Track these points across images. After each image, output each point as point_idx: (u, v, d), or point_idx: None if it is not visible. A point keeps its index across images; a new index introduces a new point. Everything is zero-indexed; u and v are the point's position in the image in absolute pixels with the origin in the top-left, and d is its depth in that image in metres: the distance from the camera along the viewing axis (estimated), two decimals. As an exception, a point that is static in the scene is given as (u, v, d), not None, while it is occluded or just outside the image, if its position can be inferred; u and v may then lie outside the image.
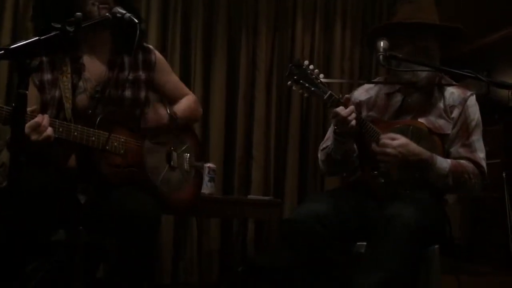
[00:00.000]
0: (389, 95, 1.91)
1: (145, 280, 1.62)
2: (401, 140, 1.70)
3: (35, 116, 1.51)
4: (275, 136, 3.47)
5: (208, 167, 2.73)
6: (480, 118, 1.87)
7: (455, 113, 1.83)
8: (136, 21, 1.51)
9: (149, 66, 1.91)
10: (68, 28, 1.18)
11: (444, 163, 1.73)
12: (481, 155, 1.82)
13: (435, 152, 1.74)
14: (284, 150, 3.50)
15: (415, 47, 1.79)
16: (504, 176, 4.41)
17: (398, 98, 1.89)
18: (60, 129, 1.57)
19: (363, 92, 1.98)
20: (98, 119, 1.68)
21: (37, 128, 1.49)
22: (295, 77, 1.66)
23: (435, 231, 1.67)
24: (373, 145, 1.72)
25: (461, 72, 1.57)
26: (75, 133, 1.60)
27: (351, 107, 1.68)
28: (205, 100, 3.36)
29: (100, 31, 1.80)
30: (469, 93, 1.88)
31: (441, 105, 1.84)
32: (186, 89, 2.12)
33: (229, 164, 3.41)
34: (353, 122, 1.66)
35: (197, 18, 3.40)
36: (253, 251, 3.31)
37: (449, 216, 1.81)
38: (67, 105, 1.72)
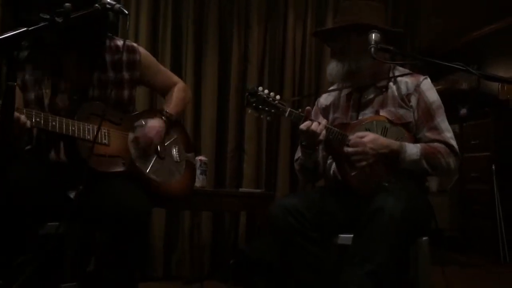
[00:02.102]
0: (347, 96, 1.99)
1: (136, 273, 1.62)
2: (369, 136, 1.77)
3: None
4: (267, 129, 3.47)
5: (200, 160, 2.73)
6: (439, 99, 1.89)
7: (413, 101, 1.87)
8: (126, 12, 1.50)
9: (134, 65, 1.91)
10: (57, 19, 1.17)
11: (414, 148, 1.79)
12: (448, 134, 1.85)
13: (404, 141, 1.81)
14: (275, 143, 3.50)
15: (351, 42, 1.87)
16: (494, 169, 4.45)
17: (356, 97, 1.96)
18: (38, 119, 1.56)
19: (327, 97, 2.09)
20: (78, 110, 1.69)
21: None
22: (254, 104, 1.73)
23: (420, 221, 1.71)
24: (345, 148, 1.78)
25: (452, 65, 1.57)
26: (53, 123, 1.59)
27: (316, 122, 1.75)
28: (196, 93, 3.34)
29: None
30: (422, 78, 1.92)
31: (397, 95, 1.89)
32: (174, 78, 2.13)
33: (221, 157, 3.40)
34: (323, 134, 1.74)
35: (188, 11, 3.38)
36: (245, 244, 3.31)
37: (438, 207, 1.84)
38: (46, 101, 1.71)
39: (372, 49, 1.68)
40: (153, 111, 2.02)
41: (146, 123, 1.88)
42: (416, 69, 2.04)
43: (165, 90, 2.07)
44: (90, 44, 1.71)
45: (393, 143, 1.78)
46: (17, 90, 1.74)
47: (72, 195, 1.70)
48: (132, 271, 1.60)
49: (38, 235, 1.61)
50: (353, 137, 1.78)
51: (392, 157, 1.77)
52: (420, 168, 1.79)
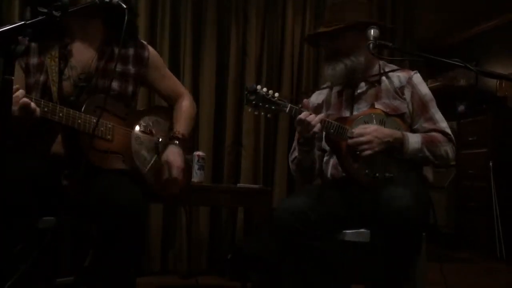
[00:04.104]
0: (339, 93, 2.02)
1: (133, 268, 1.62)
2: (372, 126, 1.82)
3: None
4: (265, 124, 3.46)
5: (198, 155, 2.73)
6: (430, 92, 1.96)
7: (407, 93, 1.93)
8: (125, 6, 1.49)
9: (141, 61, 1.89)
10: (54, 12, 1.16)
11: (415, 137, 1.84)
12: (443, 124, 1.92)
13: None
14: (273, 138, 3.50)
15: (343, 43, 1.90)
16: (491, 165, 4.46)
17: (348, 92, 1.99)
18: (46, 109, 1.55)
19: (318, 96, 2.12)
20: (86, 103, 1.67)
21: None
22: (254, 102, 1.71)
23: (424, 218, 1.71)
24: (349, 140, 1.80)
25: (450, 62, 1.57)
26: (61, 114, 1.58)
27: (313, 115, 1.75)
28: (194, 88, 3.33)
29: (93, 20, 1.78)
30: (412, 72, 1.98)
31: (391, 88, 1.94)
32: (180, 87, 2.10)
33: (219, 152, 3.40)
34: (318, 125, 1.74)
35: (186, 4, 3.37)
36: (242, 240, 3.32)
37: (435, 204, 1.87)
38: (54, 88, 1.70)
39: (371, 44, 1.68)
40: (158, 109, 1.99)
41: (153, 125, 1.86)
42: (416, 66, 2.04)
43: (169, 97, 2.04)
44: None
45: (396, 132, 1.83)
46: (21, 73, 1.73)
47: (66, 186, 1.70)
48: (129, 266, 1.60)
49: (34, 228, 1.60)
50: (356, 129, 1.81)
51: (396, 146, 1.80)
52: (422, 156, 1.83)
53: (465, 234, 4.85)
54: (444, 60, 1.60)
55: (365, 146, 1.77)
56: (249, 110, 1.75)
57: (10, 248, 1.50)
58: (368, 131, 1.78)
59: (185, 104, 2.03)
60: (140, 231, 1.62)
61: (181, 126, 1.94)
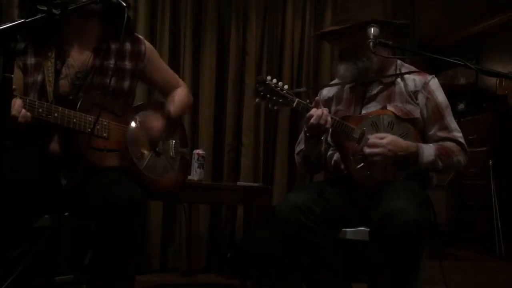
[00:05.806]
0: (351, 89, 1.99)
1: (132, 265, 1.62)
2: (389, 137, 1.77)
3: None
4: (265, 123, 3.47)
5: (197, 153, 2.73)
6: (446, 99, 1.92)
7: (420, 99, 1.88)
8: (125, 4, 1.49)
9: (138, 56, 1.89)
10: (54, 10, 1.16)
11: (429, 149, 1.80)
12: (458, 134, 1.89)
13: (410, 136, 1.83)
14: (273, 136, 3.49)
15: (357, 41, 1.85)
16: (491, 164, 4.46)
17: (360, 90, 1.96)
18: (40, 110, 1.55)
19: (330, 89, 2.08)
20: (80, 101, 1.66)
21: None
22: (262, 93, 1.71)
23: (427, 220, 1.70)
24: (364, 148, 1.78)
25: (450, 60, 1.57)
26: (56, 114, 1.58)
27: (321, 110, 1.74)
28: (194, 86, 3.34)
29: (89, 18, 1.78)
30: (429, 77, 1.92)
31: (404, 91, 1.89)
32: (176, 79, 2.11)
33: (219, 150, 3.40)
34: (328, 124, 1.73)
35: (186, 4, 3.36)
36: (242, 237, 3.32)
37: (434, 202, 1.86)
38: (50, 89, 1.70)
39: (371, 43, 1.68)
40: (155, 104, 2.00)
41: (149, 120, 1.86)
42: (416, 65, 2.03)
43: (166, 89, 2.05)
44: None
45: (411, 145, 1.79)
46: (19, 72, 1.73)
47: (64, 182, 1.69)
48: (128, 264, 1.60)
49: (34, 227, 1.60)
50: (372, 137, 1.78)
51: (409, 159, 1.77)
52: (435, 168, 1.81)
53: (464, 232, 4.85)
54: (444, 58, 1.59)
55: (377, 158, 1.75)
56: (256, 100, 1.74)
57: (9, 248, 1.50)
58: (384, 143, 1.75)
59: (180, 91, 2.06)
60: (139, 229, 1.62)
61: (172, 106, 1.97)
